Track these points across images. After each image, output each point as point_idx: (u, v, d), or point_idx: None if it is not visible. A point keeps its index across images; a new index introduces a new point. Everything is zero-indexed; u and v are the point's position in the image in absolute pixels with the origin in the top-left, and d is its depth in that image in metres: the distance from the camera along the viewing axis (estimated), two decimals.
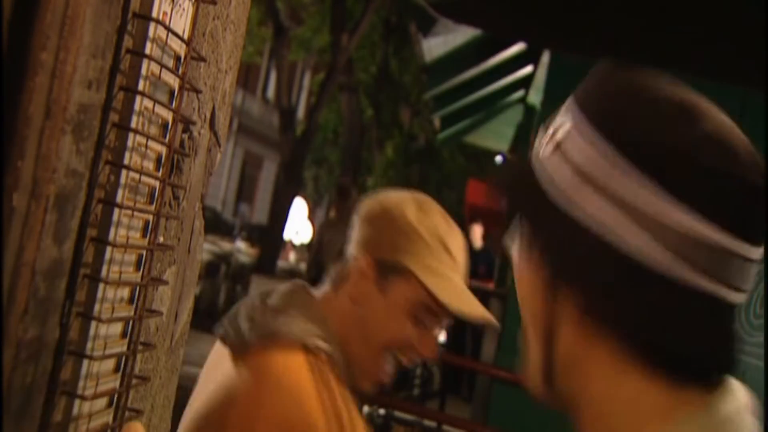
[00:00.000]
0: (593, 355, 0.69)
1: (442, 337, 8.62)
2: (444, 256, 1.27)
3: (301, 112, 22.42)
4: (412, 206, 1.30)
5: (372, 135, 16.19)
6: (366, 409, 6.04)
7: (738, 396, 0.69)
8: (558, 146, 0.70)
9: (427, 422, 4.59)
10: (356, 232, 1.30)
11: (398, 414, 4.91)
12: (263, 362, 1.10)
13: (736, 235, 0.65)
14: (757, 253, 0.67)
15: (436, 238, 1.27)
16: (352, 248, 1.30)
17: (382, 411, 5.98)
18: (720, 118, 0.67)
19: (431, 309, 1.26)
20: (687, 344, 0.66)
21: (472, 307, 1.25)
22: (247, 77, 24.13)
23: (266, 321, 1.15)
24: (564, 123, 0.71)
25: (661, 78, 0.69)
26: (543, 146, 0.72)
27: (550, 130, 0.72)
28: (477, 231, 8.46)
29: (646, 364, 0.67)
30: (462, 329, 7.39)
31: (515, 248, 0.76)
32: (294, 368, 1.11)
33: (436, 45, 6.10)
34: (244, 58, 1.11)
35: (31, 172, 0.62)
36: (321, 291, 1.28)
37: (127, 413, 0.87)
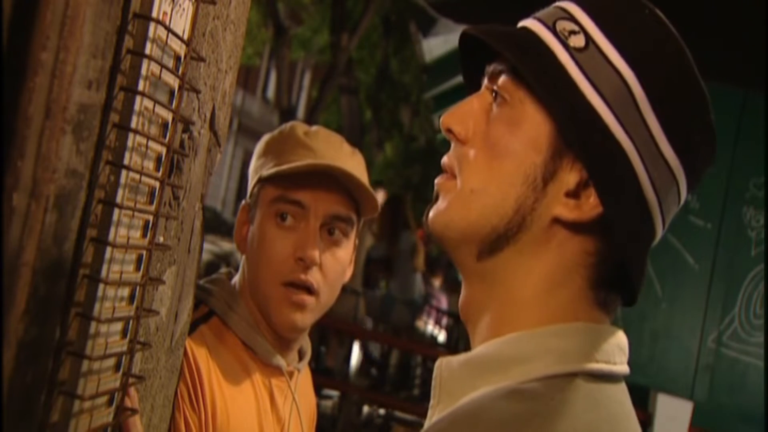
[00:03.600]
0: (546, 258, 0.73)
1: (441, 336, 8.62)
2: (297, 149, 1.25)
3: (301, 112, 22.41)
4: (270, 134, 1.33)
5: (372, 135, 16.17)
6: (366, 409, 6.04)
7: (620, 334, 0.76)
8: (573, 50, 0.72)
9: None
10: None
11: (398, 414, 4.91)
12: None
13: (689, 180, 0.75)
14: (682, 201, 0.77)
15: (287, 142, 1.27)
16: None
17: (382, 411, 5.98)
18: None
19: (285, 196, 1.23)
20: (634, 261, 0.73)
21: (322, 161, 1.22)
22: (247, 77, 24.13)
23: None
24: (575, 29, 0.73)
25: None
26: (550, 41, 0.73)
27: (554, 25, 0.74)
28: None
29: (586, 280, 0.73)
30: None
31: (498, 119, 0.75)
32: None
33: (436, 45, 6.10)
34: (243, 60, 1.12)
35: (31, 172, 0.62)
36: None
37: (126, 412, 0.87)
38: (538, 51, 0.72)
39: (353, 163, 1.27)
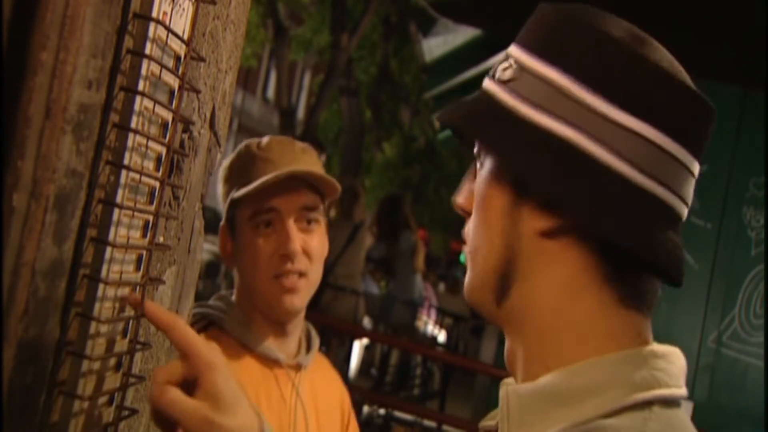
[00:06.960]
0: (549, 275, 0.74)
1: (441, 337, 8.62)
2: (257, 164, 1.38)
3: (301, 113, 22.40)
4: (227, 159, 1.44)
5: (372, 135, 16.16)
6: (366, 409, 6.05)
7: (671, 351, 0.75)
8: (506, 83, 0.76)
9: (427, 422, 4.58)
10: None
11: (398, 414, 4.91)
12: None
13: (678, 140, 0.72)
14: (696, 167, 0.74)
15: (246, 161, 1.40)
16: None
17: (382, 411, 5.98)
18: (659, 48, 0.74)
19: (260, 209, 1.36)
20: (642, 246, 0.71)
21: (283, 170, 1.34)
22: (247, 77, 24.12)
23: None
24: (506, 65, 0.77)
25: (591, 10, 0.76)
26: (490, 87, 0.78)
27: (495, 73, 0.78)
28: None
29: (603, 276, 0.73)
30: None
31: (476, 179, 0.80)
32: None
33: (436, 45, 6.11)
34: (241, 61, 1.12)
35: (31, 172, 0.62)
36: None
37: (125, 413, 0.87)
38: (481, 107, 0.77)
39: (307, 158, 1.42)
